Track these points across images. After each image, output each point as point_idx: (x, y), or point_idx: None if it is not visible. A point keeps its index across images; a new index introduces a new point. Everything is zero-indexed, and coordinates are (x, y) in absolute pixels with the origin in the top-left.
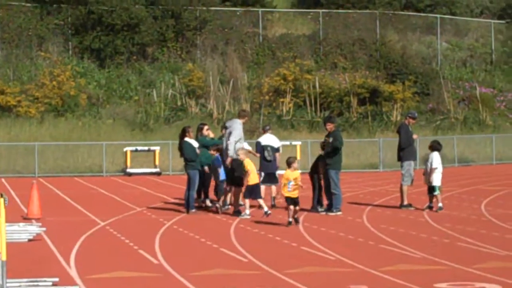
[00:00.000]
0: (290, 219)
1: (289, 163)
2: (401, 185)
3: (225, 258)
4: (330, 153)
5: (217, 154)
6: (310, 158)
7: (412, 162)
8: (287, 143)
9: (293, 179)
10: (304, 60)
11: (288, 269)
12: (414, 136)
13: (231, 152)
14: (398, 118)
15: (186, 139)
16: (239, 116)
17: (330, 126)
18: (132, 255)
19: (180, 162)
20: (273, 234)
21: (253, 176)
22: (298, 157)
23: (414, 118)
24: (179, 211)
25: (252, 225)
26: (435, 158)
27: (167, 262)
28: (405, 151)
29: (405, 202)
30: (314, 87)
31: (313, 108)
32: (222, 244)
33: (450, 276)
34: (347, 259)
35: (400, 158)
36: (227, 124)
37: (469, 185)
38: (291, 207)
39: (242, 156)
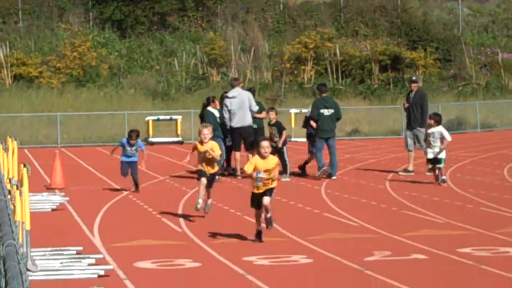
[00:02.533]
0: (260, 228)
1: (258, 148)
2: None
3: (248, 225)
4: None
5: None
6: None
7: (406, 130)
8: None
9: (263, 171)
10: (325, 28)
11: (311, 236)
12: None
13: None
14: (420, 84)
15: (209, 108)
16: (238, 84)
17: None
18: (156, 224)
19: None
20: (295, 201)
21: None
22: None
23: (412, 82)
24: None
25: (275, 193)
26: (445, 131)
27: (190, 230)
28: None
29: (409, 168)
30: (335, 54)
31: (335, 76)
32: (245, 211)
33: (474, 241)
34: (370, 225)
35: None
36: (233, 94)
37: (492, 150)
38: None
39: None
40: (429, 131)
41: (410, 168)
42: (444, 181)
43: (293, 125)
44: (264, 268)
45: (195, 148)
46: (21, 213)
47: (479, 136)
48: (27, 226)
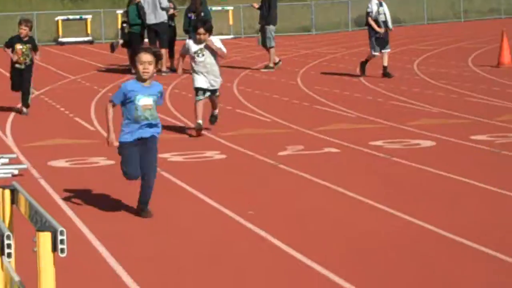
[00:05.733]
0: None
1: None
2: None
3: (162, 122)
4: None
5: None
6: (243, 23)
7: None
8: (219, 8)
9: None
10: None
11: (224, 132)
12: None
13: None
14: None
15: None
16: None
17: None
18: (68, 123)
19: (112, 30)
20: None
21: None
22: (231, 23)
23: None
24: (112, 78)
25: (187, 90)
26: (220, 42)
27: (103, 128)
28: None
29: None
30: None
31: None
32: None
33: (385, 134)
34: (283, 120)
35: None
36: None
37: (402, 45)
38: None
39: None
40: (198, 47)
41: (271, 63)
42: (215, 119)
43: (230, 22)
44: (178, 164)
45: None
46: None
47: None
48: None
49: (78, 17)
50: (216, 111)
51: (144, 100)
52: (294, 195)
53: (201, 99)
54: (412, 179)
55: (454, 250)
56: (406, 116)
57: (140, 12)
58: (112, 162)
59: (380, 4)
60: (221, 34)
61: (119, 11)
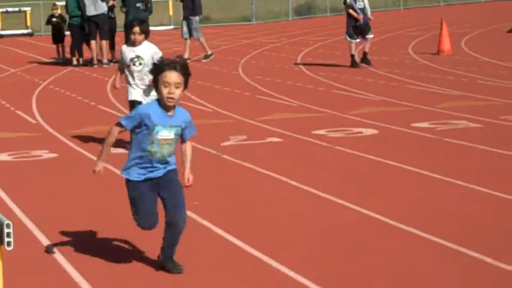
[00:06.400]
0: None
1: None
2: None
3: (103, 115)
4: None
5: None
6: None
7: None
8: None
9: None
10: None
11: None
12: None
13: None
14: None
15: None
16: None
17: None
18: (10, 116)
19: None
20: None
21: None
22: (171, 13)
23: None
24: (53, 70)
25: None
26: (157, 49)
27: (45, 122)
28: None
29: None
30: None
31: None
32: (99, 101)
33: (328, 123)
34: (225, 110)
35: None
36: None
37: (342, 34)
38: None
39: None
40: (134, 54)
41: (186, 55)
42: None
43: (171, 13)
44: (121, 156)
45: None
46: None
47: (329, 20)
48: None
49: (17, 9)
50: None
51: (164, 133)
52: (237, 185)
53: None
54: (355, 167)
55: (398, 237)
56: (348, 104)
57: (80, 3)
58: (55, 155)
59: None
60: (162, 25)
61: (59, 3)
